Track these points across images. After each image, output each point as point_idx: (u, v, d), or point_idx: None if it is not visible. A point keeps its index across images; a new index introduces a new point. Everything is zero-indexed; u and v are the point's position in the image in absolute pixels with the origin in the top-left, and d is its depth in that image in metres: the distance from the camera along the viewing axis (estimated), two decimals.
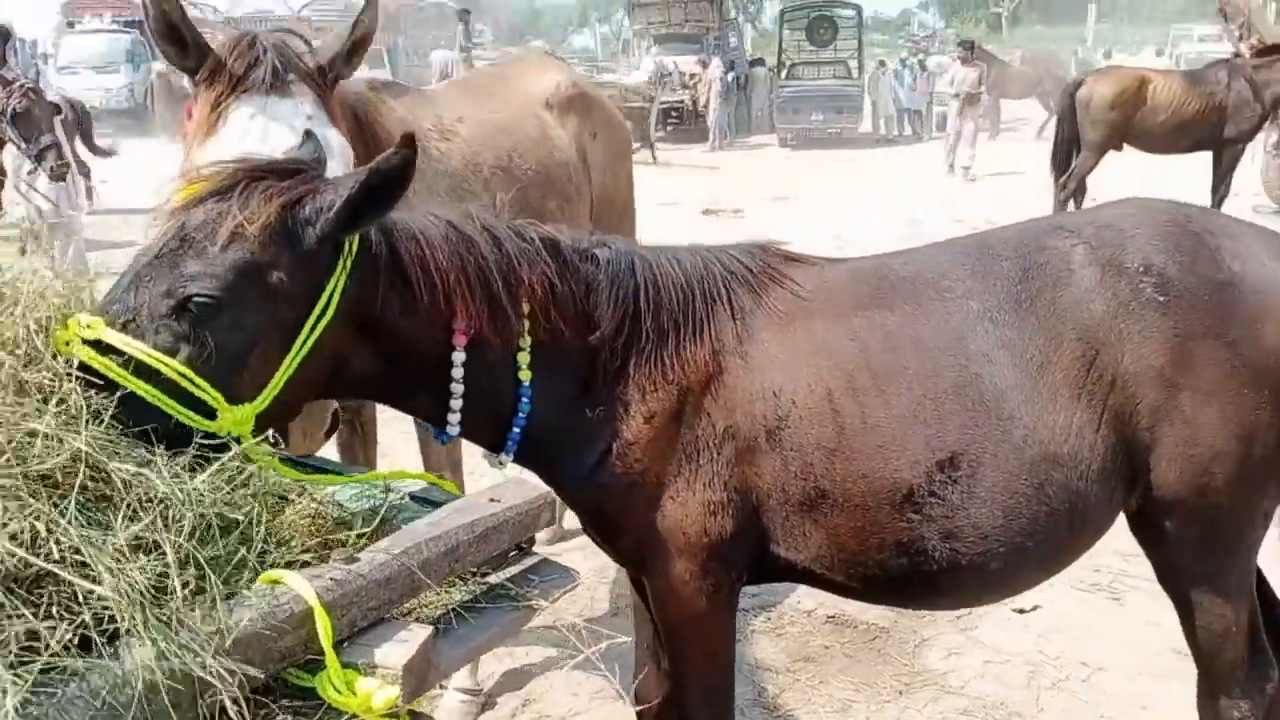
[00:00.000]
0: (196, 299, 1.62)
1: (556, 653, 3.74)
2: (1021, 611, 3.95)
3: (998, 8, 57.95)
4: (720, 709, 2.29)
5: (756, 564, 2.17)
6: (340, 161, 2.27)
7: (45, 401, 1.38)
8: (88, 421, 1.38)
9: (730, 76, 25.79)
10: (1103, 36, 49.15)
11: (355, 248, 1.79)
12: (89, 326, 1.54)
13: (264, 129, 2.26)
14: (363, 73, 2.92)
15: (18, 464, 1.24)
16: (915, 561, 2.03)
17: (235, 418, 1.62)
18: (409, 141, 1.73)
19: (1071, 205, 11.52)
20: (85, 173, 10.34)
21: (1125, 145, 11.62)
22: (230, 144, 2.22)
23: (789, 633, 3.92)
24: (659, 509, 2.08)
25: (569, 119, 3.84)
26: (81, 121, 10.85)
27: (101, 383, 1.51)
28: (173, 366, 1.58)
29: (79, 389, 1.44)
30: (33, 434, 1.29)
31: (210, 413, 1.61)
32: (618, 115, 4.43)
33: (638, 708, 2.46)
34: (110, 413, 1.44)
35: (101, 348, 1.55)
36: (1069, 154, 11.63)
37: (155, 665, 1.17)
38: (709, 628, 2.19)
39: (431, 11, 38.14)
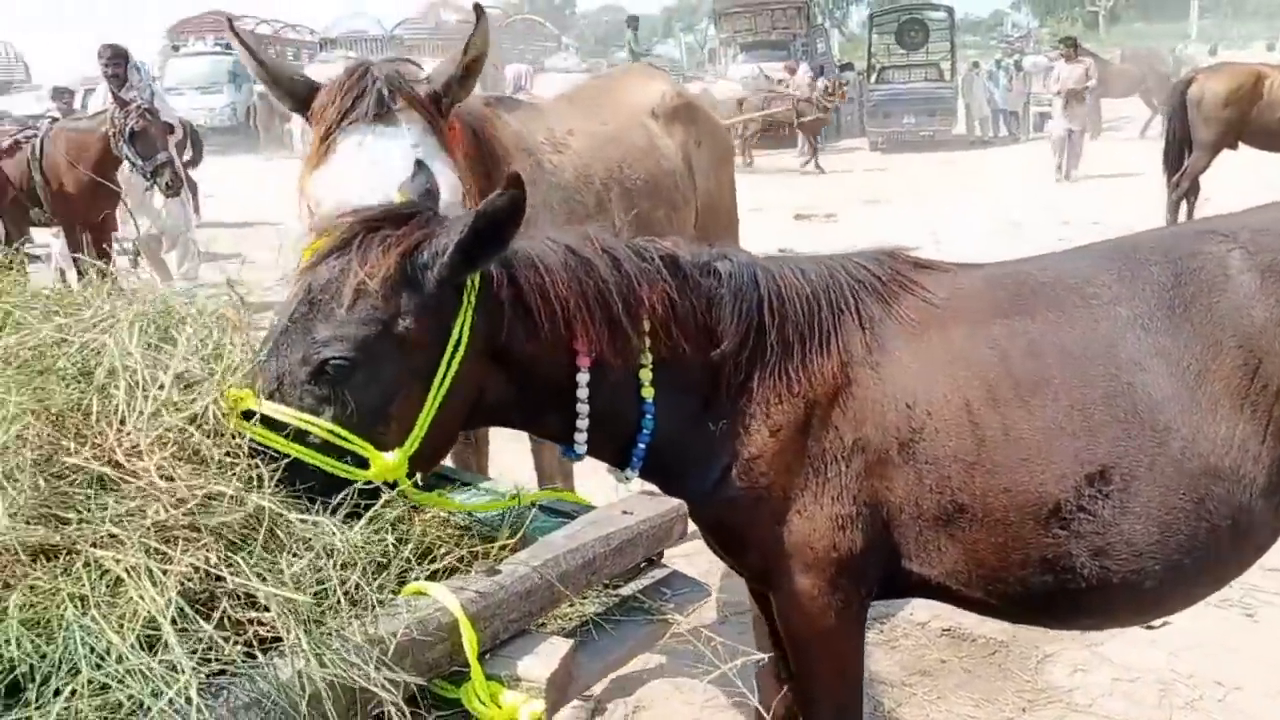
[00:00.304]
0: (331, 363, 1.65)
1: (667, 660, 3.71)
2: (1150, 628, 3.76)
3: (1094, 6, 56.13)
4: None
5: (887, 579, 2.11)
6: (448, 190, 2.27)
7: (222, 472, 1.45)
8: (261, 484, 1.46)
9: (819, 82, 25.57)
10: (1206, 32, 47.14)
11: (478, 283, 1.79)
12: (239, 400, 1.58)
13: (370, 158, 2.29)
14: None
15: (203, 516, 1.32)
16: (1062, 579, 1.94)
17: (387, 464, 1.64)
18: (515, 182, 1.72)
19: (1184, 206, 11.09)
20: (193, 188, 10.72)
21: (1240, 143, 11.13)
22: (337, 174, 2.27)
23: (903, 645, 3.82)
24: (785, 524, 2.04)
25: (675, 128, 3.83)
26: (193, 142, 11.27)
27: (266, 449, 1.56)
28: (321, 426, 1.61)
29: (258, 463, 1.51)
30: (215, 496, 1.37)
31: (363, 462, 1.63)
32: (720, 124, 4.41)
33: None
34: (277, 475, 1.51)
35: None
36: (1180, 153, 11.19)
37: (317, 674, 1.18)
38: (838, 644, 2.14)
39: (519, 26, 38.79)
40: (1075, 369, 1.93)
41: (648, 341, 1.96)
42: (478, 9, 2.49)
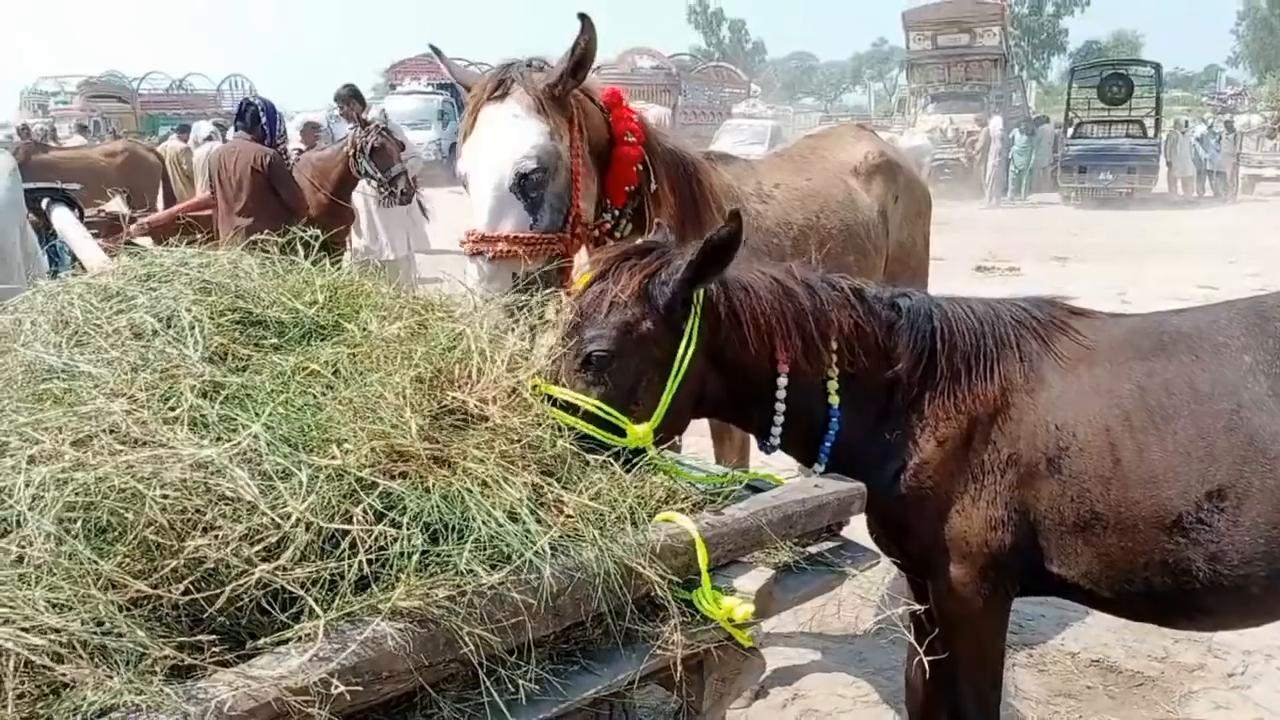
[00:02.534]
0: (595, 354, 2.25)
1: (824, 657, 4.14)
2: None
3: None
4: (988, 704, 2.62)
5: (1029, 577, 2.51)
6: (532, 146, 2.99)
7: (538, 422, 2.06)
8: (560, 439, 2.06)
9: (1012, 135, 25.28)
10: None
11: (701, 298, 2.34)
12: (538, 384, 2.17)
13: (490, 121, 3.06)
14: None
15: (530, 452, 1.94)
16: (1180, 581, 2.30)
17: (638, 434, 2.21)
18: (736, 217, 2.28)
19: None
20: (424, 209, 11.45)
21: None
22: (476, 142, 3.08)
23: (1051, 670, 4.10)
24: (946, 520, 2.47)
25: (874, 184, 4.33)
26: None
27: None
28: (590, 403, 2.19)
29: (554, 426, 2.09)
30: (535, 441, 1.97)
31: (621, 433, 2.19)
32: (919, 179, 4.87)
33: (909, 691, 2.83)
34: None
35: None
36: None
37: (609, 560, 1.74)
38: (984, 627, 2.55)
39: (711, 72, 39.95)
40: (1202, 404, 2.30)
41: (835, 357, 2.46)
42: (581, 16, 3.09)
